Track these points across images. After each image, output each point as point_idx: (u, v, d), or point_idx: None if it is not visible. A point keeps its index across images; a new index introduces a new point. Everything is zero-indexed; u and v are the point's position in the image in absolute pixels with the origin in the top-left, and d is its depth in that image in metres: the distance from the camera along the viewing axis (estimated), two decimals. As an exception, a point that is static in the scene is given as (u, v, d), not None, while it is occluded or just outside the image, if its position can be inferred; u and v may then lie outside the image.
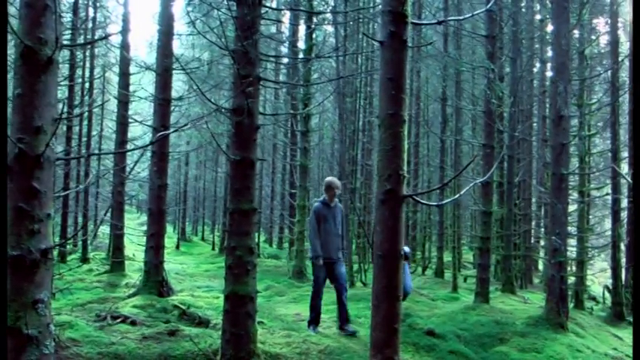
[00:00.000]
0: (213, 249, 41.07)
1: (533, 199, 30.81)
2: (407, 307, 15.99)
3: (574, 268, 23.28)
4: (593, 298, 25.67)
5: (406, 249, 9.76)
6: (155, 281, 15.45)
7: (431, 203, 5.09)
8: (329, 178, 12.23)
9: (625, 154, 25.95)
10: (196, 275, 24.87)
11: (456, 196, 5.02)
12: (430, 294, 20.86)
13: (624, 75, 27.33)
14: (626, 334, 17.92)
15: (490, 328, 13.58)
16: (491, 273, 25.45)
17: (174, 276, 21.91)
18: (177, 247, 41.37)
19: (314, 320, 12.37)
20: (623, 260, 24.39)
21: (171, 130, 15.62)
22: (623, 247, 24.50)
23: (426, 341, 12.13)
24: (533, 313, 15.71)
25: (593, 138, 25.86)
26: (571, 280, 21.29)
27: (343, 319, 12.19)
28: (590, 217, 29.47)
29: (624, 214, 24.86)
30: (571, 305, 19.27)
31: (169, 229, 50.31)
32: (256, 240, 31.85)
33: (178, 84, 31.55)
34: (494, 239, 22.99)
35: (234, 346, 9.14)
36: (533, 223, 29.61)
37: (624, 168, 24.72)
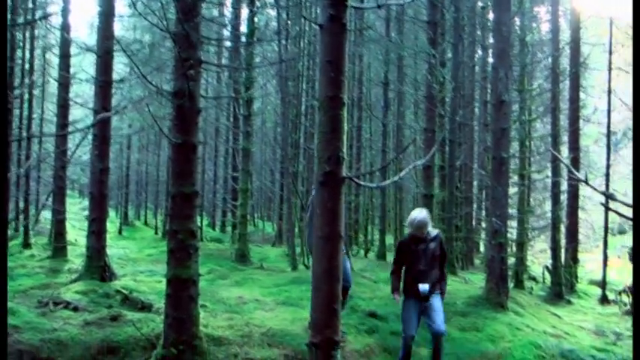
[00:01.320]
0: (156, 233, 40.81)
1: (475, 183, 31.19)
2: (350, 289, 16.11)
3: (514, 249, 23.61)
4: (533, 278, 26.11)
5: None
6: (97, 266, 15.33)
7: (370, 184, 5.16)
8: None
9: (565, 138, 26.42)
10: (139, 260, 24.71)
11: (395, 177, 5.08)
12: (372, 276, 21.00)
13: (565, 62, 27.82)
14: (565, 313, 18.30)
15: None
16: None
17: (117, 261, 21.73)
18: (120, 231, 40.97)
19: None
20: (563, 241, 24.88)
21: (112, 112, 15.47)
22: (562, 228, 24.98)
23: (367, 323, 12.24)
24: (473, 293, 15.95)
25: (533, 123, 26.20)
26: (511, 260, 21.65)
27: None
28: (531, 199, 29.98)
29: (564, 197, 25.33)
30: (511, 285, 19.61)
31: (112, 213, 49.81)
32: (199, 224, 31.79)
33: (120, 66, 31.18)
34: (435, 222, 23.22)
35: (177, 330, 9.12)
36: (475, 205, 29.97)
37: (564, 152, 25.14)
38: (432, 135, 17.42)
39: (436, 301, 9.30)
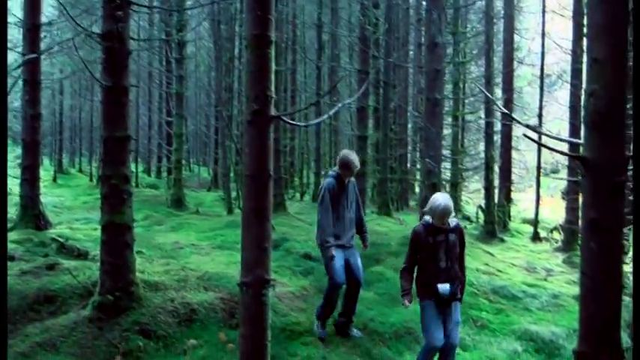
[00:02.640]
0: (91, 180, 40.30)
1: (410, 125, 31.34)
2: (284, 232, 16.21)
3: (448, 189, 23.92)
4: (468, 218, 26.52)
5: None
6: (32, 215, 15.12)
7: (299, 123, 5.11)
8: (348, 156, 9.64)
9: (499, 80, 26.69)
10: (74, 208, 24.45)
11: (324, 116, 5.09)
12: (307, 219, 21.10)
13: (499, 4, 27.95)
14: (497, 251, 18.66)
15: (365, 250, 13.85)
16: (368, 197, 25.95)
17: (52, 209, 21.47)
18: (55, 179, 40.37)
19: (324, 316, 9.85)
20: (497, 182, 25.30)
21: (40, 54, 15.14)
22: (496, 168, 25.38)
23: (303, 265, 12.36)
24: (407, 233, 16.06)
25: (467, 65, 26.41)
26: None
27: (350, 318, 9.79)
28: (465, 140, 30.31)
29: (497, 137, 25.67)
30: (446, 224, 19.84)
31: (46, 161, 49.01)
32: (134, 170, 31.53)
33: (48, 9, 30.38)
34: (370, 163, 23.37)
35: (113, 277, 9.08)
36: (410, 147, 30.17)
37: (498, 93, 25.43)
38: (365, 77, 17.44)
39: (456, 311, 7.83)
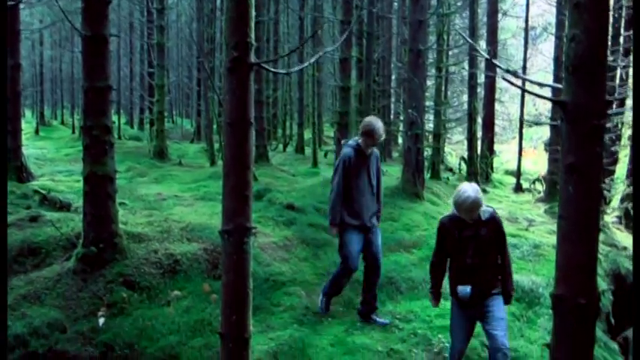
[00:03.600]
0: (73, 132, 39.92)
1: (393, 76, 31.25)
2: (267, 183, 16.22)
3: (431, 140, 23.92)
4: (450, 169, 26.59)
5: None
6: (14, 167, 15.03)
7: (280, 71, 4.99)
8: (373, 123, 8.55)
9: (483, 31, 26.61)
10: (57, 160, 24.28)
11: (305, 64, 5.05)
12: (291, 170, 21.14)
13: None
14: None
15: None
16: (352, 149, 25.93)
17: (35, 161, 21.33)
18: (37, 131, 39.98)
19: (330, 295, 9.21)
20: (480, 133, 25.36)
21: (19, 2, 14.94)
22: (479, 119, 25.42)
23: (285, 215, 12.38)
24: (390, 184, 16.15)
25: (451, 16, 26.23)
26: (429, 152, 22.00)
27: (373, 305, 8.93)
28: (449, 92, 30.27)
29: (481, 90, 25.67)
30: (427, 176, 19.96)
31: (28, 113, 48.66)
32: (117, 122, 31.37)
33: (28, -41, 29.98)
34: (353, 114, 23.33)
35: (96, 228, 9.08)
36: (393, 99, 30.09)
37: (482, 45, 25.34)
38: (348, 27, 17.33)
39: (497, 307, 6.86)
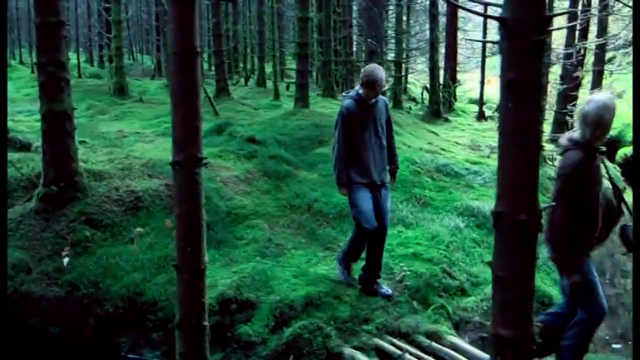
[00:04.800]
0: (32, 72, 39.26)
1: (355, 8, 31.00)
2: (228, 117, 16.17)
3: (393, 68, 23.85)
4: (413, 99, 26.66)
5: None
6: (-28, 107, 14.82)
7: None
8: (374, 72, 7.56)
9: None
10: (17, 100, 23.91)
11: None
12: (252, 103, 21.03)
13: None
14: (442, 130, 18.87)
15: (309, 132, 13.83)
16: (313, 80, 25.88)
17: (-7, 102, 21.00)
18: (-5, 72, 39.44)
19: (348, 261, 8.17)
20: (442, 62, 25.36)
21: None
22: (442, 49, 25.38)
23: (246, 148, 12.31)
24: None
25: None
26: (391, 81, 21.98)
27: (375, 273, 7.96)
28: (411, 21, 30.14)
29: (443, 19, 25.57)
30: (390, 105, 19.98)
31: (-16, 54, 47.74)
32: (76, 60, 30.90)
33: None
34: (314, 45, 23.20)
35: (55, 167, 9.03)
36: (356, 29, 29.90)
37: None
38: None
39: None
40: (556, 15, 2.97)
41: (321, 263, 8.51)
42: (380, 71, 7.57)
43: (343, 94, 8.29)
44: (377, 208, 7.66)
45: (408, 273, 7.94)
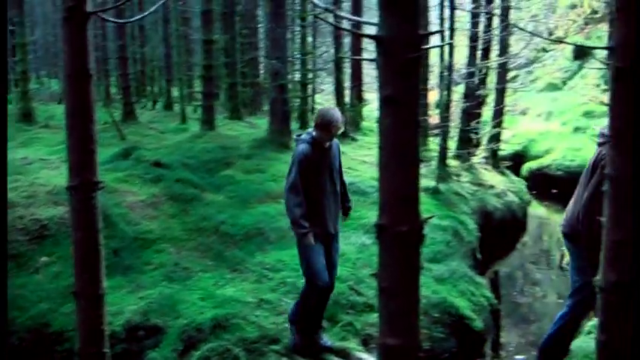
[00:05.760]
0: None
1: (262, 30, 31.09)
2: (135, 141, 16.05)
3: (299, 88, 23.97)
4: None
5: None
6: None
7: (118, 20, 4.79)
8: (328, 114, 6.98)
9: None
10: None
11: (145, 13, 4.98)
12: (160, 127, 20.88)
13: None
14: (349, 149, 18.91)
15: (216, 154, 13.88)
16: (221, 102, 25.83)
17: None
18: None
19: (300, 323, 7.31)
20: (347, 83, 25.61)
21: None
22: (347, 69, 25.65)
23: (152, 172, 12.20)
24: (258, 136, 16.23)
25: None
26: (298, 102, 22.13)
27: (318, 325, 7.41)
28: (317, 42, 30.39)
29: (347, 40, 25.84)
30: (297, 126, 20.10)
31: None
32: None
33: None
34: (220, 68, 23.18)
35: (-45, 197, 8.78)
36: (263, 52, 30.00)
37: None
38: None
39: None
40: (431, 34, 3.07)
41: (228, 285, 8.50)
42: (335, 112, 7.04)
43: (295, 136, 7.59)
44: (328, 262, 7.13)
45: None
